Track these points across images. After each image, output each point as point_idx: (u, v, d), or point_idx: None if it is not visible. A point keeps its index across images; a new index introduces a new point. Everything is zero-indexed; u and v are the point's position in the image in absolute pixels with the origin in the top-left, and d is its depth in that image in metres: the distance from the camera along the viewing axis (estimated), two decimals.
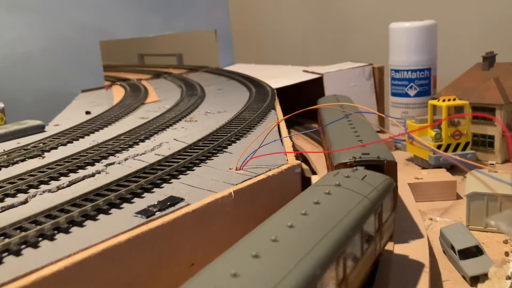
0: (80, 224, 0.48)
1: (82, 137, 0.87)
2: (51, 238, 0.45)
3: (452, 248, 0.64)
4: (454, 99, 0.98)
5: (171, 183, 0.59)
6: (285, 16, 2.43)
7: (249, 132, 0.82)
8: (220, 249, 0.53)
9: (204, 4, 1.94)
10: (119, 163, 0.68)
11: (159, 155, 0.70)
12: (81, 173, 0.64)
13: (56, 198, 0.55)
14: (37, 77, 1.52)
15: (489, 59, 1.12)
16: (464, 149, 0.98)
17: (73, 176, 0.63)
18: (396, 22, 1.26)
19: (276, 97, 1.09)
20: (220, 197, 0.53)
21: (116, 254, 0.43)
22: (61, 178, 0.63)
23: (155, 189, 0.56)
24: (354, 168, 0.55)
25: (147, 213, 0.49)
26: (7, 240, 0.43)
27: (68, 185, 0.60)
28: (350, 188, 0.48)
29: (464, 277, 0.61)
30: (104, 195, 0.53)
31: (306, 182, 0.70)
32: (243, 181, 0.57)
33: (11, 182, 0.60)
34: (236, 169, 0.62)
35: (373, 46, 1.88)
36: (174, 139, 0.80)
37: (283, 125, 0.83)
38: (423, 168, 1.02)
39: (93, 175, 0.64)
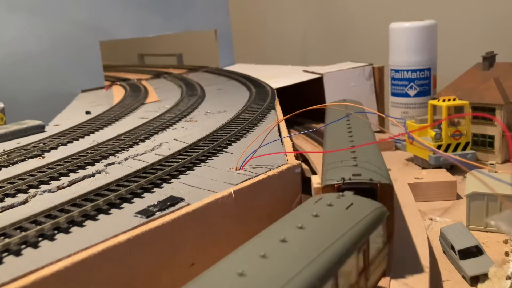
0: (80, 224, 0.47)
1: (82, 137, 0.87)
2: (51, 238, 0.45)
3: (452, 248, 0.64)
4: (454, 99, 0.98)
5: (171, 183, 0.59)
6: (285, 16, 2.43)
7: (249, 132, 0.82)
8: (220, 249, 0.53)
9: (204, 4, 1.94)
10: (119, 163, 0.68)
11: (159, 155, 0.70)
12: (81, 173, 0.64)
13: (56, 198, 0.55)
14: (37, 77, 1.52)
15: (489, 59, 1.12)
16: (464, 149, 0.98)
17: (73, 176, 0.63)
18: (396, 22, 1.26)
19: (276, 97, 1.09)
20: (220, 197, 0.53)
21: (116, 254, 0.43)
22: (61, 178, 0.63)
23: (155, 189, 0.56)
24: (340, 194, 0.47)
25: (147, 213, 0.49)
26: (7, 240, 0.43)
27: (68, 185, 0.60)
28: (330, 221, 0.41)
29: (464, 277, 0.61)
30: (104, 195, 0.53)
31: (306, 182, 0.70)
32: (243, 181, 0.57)
33: (11, 182, 0.60)
34: (236, 169, 0.62)
35: (373, 46, 1.88)
36: (174, 139, 0.80)
37: (283, 125, 0.83)
38: (423, 168, 1.02)
39: (93, 175, 0.64)
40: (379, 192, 0.51)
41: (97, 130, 0.92)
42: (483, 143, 1.06)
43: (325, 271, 0.34)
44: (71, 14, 1.59)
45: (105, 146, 0.77)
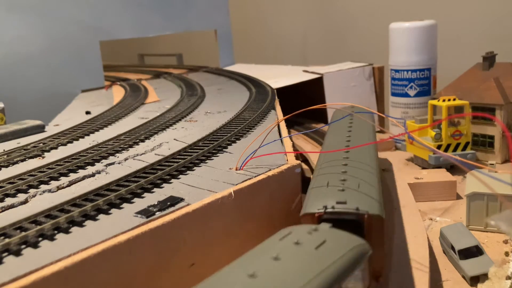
0: (80, 224, 0.47)
1: (82, 137, 0.87)
2: (51, 238, 0.45)
3: (452, 248, 0.64)
4: (454, 99, 0.98)
5: (171, 183, 0.59)
6: (285, 16, 2.43)
7: (249, 132, 0.82)
8: (220, 249, 0.53)
9: (204, 4, 1.94)
10: (119, 163, 0.68)
11: (159, 155, 0.70)
12: (81, 173, 0.64)
13: (56, 198, 0.55)
14: (37, 77, 1.52)
15: (489, 59, 1.12)
16: (464, 149, 0.98)
17: (73, 176, 0.63)
18: (396, 22, 1.26)
19: (276, 97, 1.09)
20: (220, 197, 0.53)
21: (116, 254, 0.43)
22: (61, 178, 0.63)
23: (155, 189, 0.56)
24: (313, 228, 0.39)
25: (147, 213, 0.49)
26: (7, 240, 0.43)
27: (68, 185, 0.60)
28: (291, 267, 0.33)
29: (464, 277, 0.61)
30: (104, 195, 0.53)
31: (306, 182, 0.70)
32: (243, 181, 0.57)
33: (11, 182, 0.60)
34: (236, 169, 0.62)
35: (373, 46, 1.88)
36: (174, 139, 0.80)
37: (283, 125, 0.83)
38: (423, 168, 1.02)
39: (93, 175, 0.64)
40: (366, 224, 0.44)
41: (97, 130, 0.92)
42: (483, 143, 1.06)
43: None
44: (71, 14, 1.59)
45: (105, 146, 0.77)
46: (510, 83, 1.05)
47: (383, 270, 0.47)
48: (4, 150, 0.78)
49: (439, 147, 0.98)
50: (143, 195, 0.55)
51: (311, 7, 2.30)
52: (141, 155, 0.72)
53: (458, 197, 0.88)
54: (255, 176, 0.59)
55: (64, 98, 1.38)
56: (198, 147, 0.72)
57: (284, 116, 0.83)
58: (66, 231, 0.46)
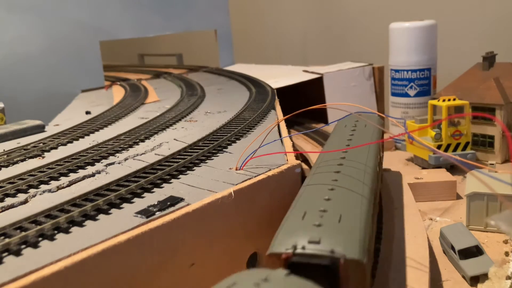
0: (80, 224, 0.47)
1: (82, 137, 0.87)
2: (51, 238, 0.45)
3: (452, 248, 0.64)
4: (454, 99, 0.98)
5: (171, 183, 0.59)
6: (285, 16, 2.43)
7: (249, 132, 0.82)
8: (220, 249, 0.53)
9: (204, 4, 1.94)
10: (119, 163, 0.68)
11: (159, 155, 0.70)
12: (81, 173, 0.64)
13: (56, 198, 0.55)
14: (37, 77, 1.52)
15: (489, 59, 1.12)
16: (464, 149, 0.98)
17: (73, 176, 0.63)
18: (396, 22, 1.26)
19: (276, 97, 1.09)
20: (220, 197, 0.53)
21: (116, 254, 0.43)
22: (61, 178, 0.63)
23: (155, 189, 0.56)
24: (264, 276, 0.31)
25: (147, 213, 0.49)
26: (7, 240, 0.43)
27: (68, 185, 0.60)
28: None
29: (464, 277, 0.61)
30: (104, 195, 0.53)
31: None
32: (243, 181, 0.57)
33: (11, 182, 0.60)
34: (236, 169, 0.62)
35: (373, 46, 1.88)
36: (174, 139, 0.80)
37: (283, 125, 0.83)
38: (423, 168, 1.02)
39: (93, 175, 0.64)
40: (342, 271, 0.35)
41: (97, 130, 0.92)
42: (483, 143, 1.06)
43: None
44: (71, 14, 1.59)
45: (105, 146, 0.77)
46: (510, 83, 1.05)
47: None
48: (4, 150, 0.78)
49: (439, 147, 0.98)
50: (143, 195, 0.55)
51: (311, 7, 2.30)
52: (141, 155, 0.72)
53: (458, 197, 0.88)
54: (255, 176, 0.59)
55: (64, 98, 1.38)
56: (198, 147, 0.72)
57: (284, 116, 0.83)
58: (66, 231, 0.46)
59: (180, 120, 0.96)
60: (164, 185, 0.58)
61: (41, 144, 0.81)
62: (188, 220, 0.49)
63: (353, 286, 0.36)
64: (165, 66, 2.22)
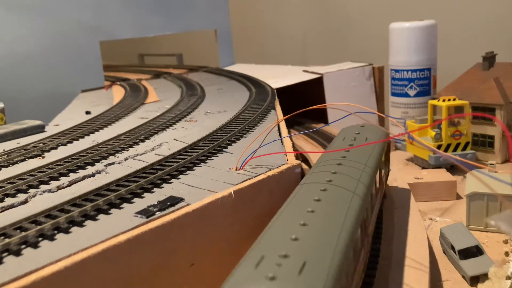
0: (80, 224, 0.47)
1: (82, 137, 0.87)
2: (51, 238, 0.45)
3: (452, 248, 0.64)
4: (454, 99, 0.98)
5: (171, 183, 0.59)
6: (285, 16, 2.43)
7: (249, 132, 0.82)
8: (220, 249, 0.53)
9: (204, 4, 1.94)
10: (119, 163, 0.68)
11: (159, 155, 0.70)
12: (81, 173, 0.64)
13: (56, 198, 0.55)
14: (37, 77, 1.52)
15: (489, 59, 1.12)
16: (464, 149, 0.98)
17: (73, 176, 0.63)
18: (396, 22, 1.26)
19: (276, 97, 1.09)
20: (220, 197, 0.53)
21: (116, 254, 0.43)
22: (61, 178, 0.63)
23: (155, 189, 0.56)
24: None
25: (147, 213, 0.49)
26: (7, 240, 0.43)
27: (68, 185, 0.60)
28: None
29: (464, 277, 0.61)
30: (104, 195, 0.53)
31: None
32: (243, 181, 0.57)
33: (11, 182, 0.60)
34: (236, 169, 0.62)
35: (373, 46, 1.88)
36: (174, 139, 0.80)
37: (283, 125, 0.83)
38: (423, 168, 1.02)
39: (93, 175, 0.64)
40: None
41: (97, 130, 0.92)
42: (483, 143, 1.06)
43: None
44: (71, 14, 1.59)
45: (105, 146, 0.77)
46: (510, 83, 1.05)
47: None
48: (4, 150, 0.78)
49: (439, 147, 0.98)
50: (143, 195, 0.55)
51: (311, 7, 2.30)
52: (141, 155, 0.72)
53: (458, 197, 0.88)
54: (255, 176, 0.59)
55: (64, 98, 1.38)
56: (198, 147, 0.72)
57: (284, 116, 0.83)
58: (66, 231, 0.46)
59: (180, 120, 0.96)
60: (164, 185, 0.58)
61: (41, 144, 0.81)
62: (188, 220, 0.49)
63: None
64: (165, 66, 2.22)
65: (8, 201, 0.55)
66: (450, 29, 1.63)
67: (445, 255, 0.67)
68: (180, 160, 0.65)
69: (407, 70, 1.23)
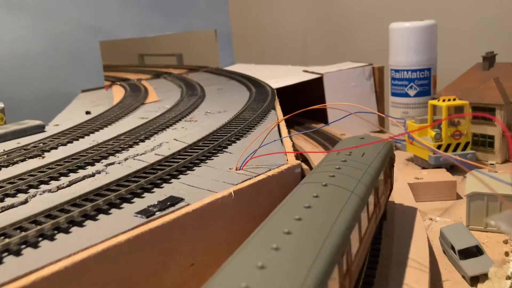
0: (80, 224, 0.48)
1: (82, 137, 0.87)
2: (51, 238, 0.45)
3: (452, 248, 0.64)
4: (454, 99, 0.98)
5: (171, 183, 0.59)
6: (285, 16, 2.43)
7: (249, 132, 0.82)
8: (220, 249, 0.53)
9: (204, 4, 1.94)
10: (119, 163, 0.68)
11: (159, 155, 0.70)
12: (81, 173, 0.64)
13: (56, 198, 0.55)
14: (37, 77, 1.52)
15: (489, 59, 1.12)
16: (464, 149, 0.98)
17: (73, 176, 0.63)
18: (396, 22, 1.26)
19: (276, 97, 1.09)
20: (220, 197, 0.53)
21: (116, 254, 0.43)
22: (61, 178, 0.63)
23: (155, 189, 0.56)
24: None
25: (147, 213, 0.49)
26: (7, 240, 0.43)
27: (68, 185, 0.60)
28: None
29: (464, 277, 0.61)
30: (104, 195, 0.53)
31: None
32: (243, 181, 0.57)
33: (11, 182, 0.60)
34: (236, 169, 0.62)
35: (373, 46, 1.88)
36: (174, 139, 0.80)
37: (283, 125, 0.83)
38: (423, 168, 1.02)
39: (93, 175, 0.64)
40: None
41: (97, 130, 0.92)
42: (483, 143, 1.06)
43: None
44: (71, 14, 1.59)
45: (105, 146, 0.77)
46: (510, 83, 1.05)
47: None
48: (4, 150, 0.78)
49: (439, 147, 0.98)
50: (143, 195, 0.55)
51: (311, 7, 2.30)
52: (141, 155, 0.72)
53: (458, 197, 0.88)
54: (255, 176, 0.59)
55: (64, 98, 1.38)
56: (198, 147, 0.72)
57: (284, 116, 0.83)
58: (66, 231, 0.46)
59: (180, 120, 0.96)
60: (164, 185, 0.58)
61: (41, 144, 0.81)
62: (188, 220, 0.49)
63: None
64: (165, 66, 2.22)
65: (8, 201, 0.55)
66: (450, 29, 1.63)
67: (445, 255, 0.67)
68: (180, 160, 0.65)
69: (407, 70, 1.23)
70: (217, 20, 1.99)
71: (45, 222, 0.47)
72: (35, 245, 0.43)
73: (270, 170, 0.61)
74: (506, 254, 0.65)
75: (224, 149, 0.72)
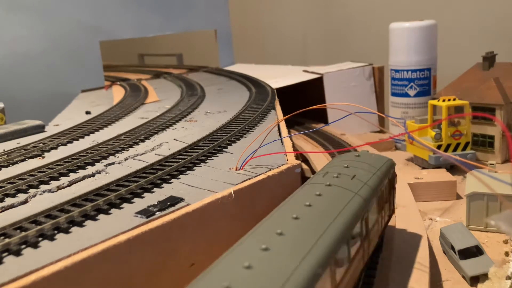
0: (80, 224, 0.48)
1: (82, 137, 0.87)
2: (51, 238, 0.45)
3: (452, 248, 0.64)
4: (454, 99, 0.98)
5: (171, 183, 0.59)
6: (285, 16, 2.43)
7: (249, 132, 0.82)
8: (220, 249, 0.53)
9: (204, 4, 1.94)
10: (119, 163, 0.68)
11: (159, 155, 0.70)
12: (81, 173, 0.64)
13: (56, 198, 0.55)
14: (37, 77, 1.52)
15: (489, 59, 1.12)
16: (464, 149, 0.98)
17: (73, 176, 0.63)
18: (396, 22, 1.26)
19: (276, 97, 1.09)
20: (220, 197, 0.53)
21: (116, 254, 0.43)
22: (61, 178, 0.63)
23: (155, 189, 0.56)
24: None
25: (147, 213, 0.49)
26: (7, 240, 0.43)
27: (68, 185, 0.60)
28: None
29: (464, 277, 0.61)
30: (104, 195, 0.53)
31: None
32: (243, 181, 0.57)
33: (11, 182, 0.60)
34: (236, 169, 0.62)
35: (373, 46, 1.88)
36: (174, 139, 0.80)
37: (283, 125, 0.83)
38: (423, 168, 1.02)
39: (93, 175, 0.64)
40: None
41: (97, 130, 0.92)
42: (483, 143, 1.06)
43: None
44: (71, 14, 1.59)
45: (105, 146, 0.77)
46: (510, 83, 1.05)
47: None
48: (4, 150, 0.78)
49: (439, 147, 0.98)
50: (143, 195, 0.55)
51: (311, 7, 2.30)
52: (141, 155, 0.72)
53: (458, 197, 0.88)
54: (255, 176, 0.59)
55: (64, 98, 1.38)
56: (198, 147, 0.72)
57: (284, 116, 0.83)
58: (66, 231, 0.46)
59: (180, 120, 0.96)
60: (164, 185, 0.58)
61: (41, 144, 0.81)
62: (188, 220, 0.49)
63: None
64: (165, 66, 2.22)
65: (8, 201, 0.55)
66: (450, 29, 1.63)
67: (445, 255, 0.67)
68: (180, 160, 0.65)
69: (407, 70, 1.23)
70: (217, 20, 1.99)
71: (45, 222, 0.47)
72: (35, 245, 0.43)
73: (270, 170, 0.61)
74: (506, 254, 0.65)
75: (224, 149, 0.72)
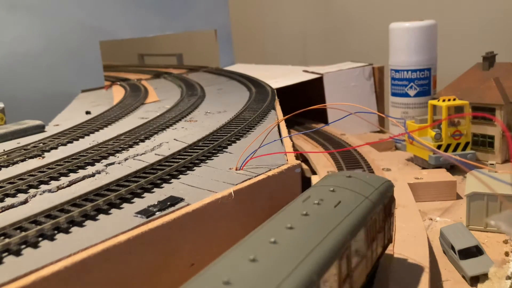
0: (80, 224, 0.48)
1: (82, 137, 0.87)
2: (51, 238, 0.45)
3: (452, 248, 0.64)
4: (454, 99, 0.98)
5: (171, 183, 0.59)
6: (285, 16, 2.43)
7: (249, 132, 0.82)
8: (220, 249, 0.53)
9: (204, 4, 1.94)
10: (119, 163, 0.68)
11: (159, 155, 0.70)
12: (81, 173, 0.64)
13: (56, 198, 0.55)
14: (37, 77, 1.52)
15: (489, 59, 1.12)
16: (464, 149, 0.98)
17: (73, 176, 0.63)
18: (396, 22, 1.26)
19: (276, 97, 1.09)
20: (220, 197, 0.53)
21: (116, 254, 0.43)
22: (61, 178, 0.63)
23: (155, 189, 0.56)
24: None
25: (147, 213, 0.49)
26: (7, 240, 0.43)
27: (68, 185, 0.60)
28: None
29: (464, 277, 0.61)
30: (104, 195, 0.53)
31: (306, 182, 0.70)
32: (243, 181, 0.57)
33: (11, 182, 0.60)
34: (236, 169, 0.62)
35: (373, 46, 1.88)
36: (174, 139, 0.80)
37: (283, 125, 0.83)
38: (423, 168, 1.02)
39: (93, 175, 0.64)
40: None
41: (97, 130, 0.92)
42: (483, 143, 1.06)
43: None
44: (71, 14, 1.59)
45: (105, 146, 0.77)
46: (510, 83, 1.05)
47: None
48: (4, 150, 0.78)
49: (439, 147, 0.98)
50: (143, 195, 0.55)
51: (311, 7, 2.30)
52: (141, 155, 0.72)
53: (458, 197, 0.88)
54: (255, 176, 0.59)
55: (64, 98, 1.38)
56: (198, 147, 0.72)
57: (284, 116, 0.83)
58: (66, 231, 0.46)
59: (180, 120, 0.96)
60: (164, 185, 0.58)
61: (41, 144, 0.81)
62: (188, 220, 0.49)
63: None
64: (165, 66, 2.22)
65: (8, 201, 0.55)
66: (450, 29, 1.63)
67: (445, 255, 0.67)
68: (180, 160, 0.65)
69: (407, 70, 1.23)
70: (217, 20, 1.99)
71: (45, 222, 0.47)
72: (35, 245, 0.43)
73: (270, 170, 0.61)
74: (506, 254, 0.65)
75: (224, 149, 0.72)
